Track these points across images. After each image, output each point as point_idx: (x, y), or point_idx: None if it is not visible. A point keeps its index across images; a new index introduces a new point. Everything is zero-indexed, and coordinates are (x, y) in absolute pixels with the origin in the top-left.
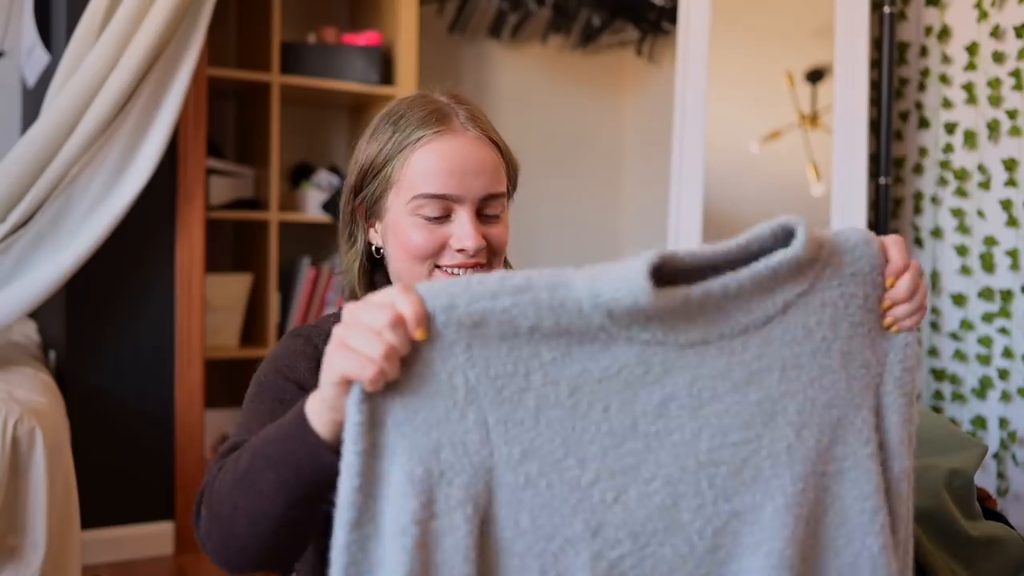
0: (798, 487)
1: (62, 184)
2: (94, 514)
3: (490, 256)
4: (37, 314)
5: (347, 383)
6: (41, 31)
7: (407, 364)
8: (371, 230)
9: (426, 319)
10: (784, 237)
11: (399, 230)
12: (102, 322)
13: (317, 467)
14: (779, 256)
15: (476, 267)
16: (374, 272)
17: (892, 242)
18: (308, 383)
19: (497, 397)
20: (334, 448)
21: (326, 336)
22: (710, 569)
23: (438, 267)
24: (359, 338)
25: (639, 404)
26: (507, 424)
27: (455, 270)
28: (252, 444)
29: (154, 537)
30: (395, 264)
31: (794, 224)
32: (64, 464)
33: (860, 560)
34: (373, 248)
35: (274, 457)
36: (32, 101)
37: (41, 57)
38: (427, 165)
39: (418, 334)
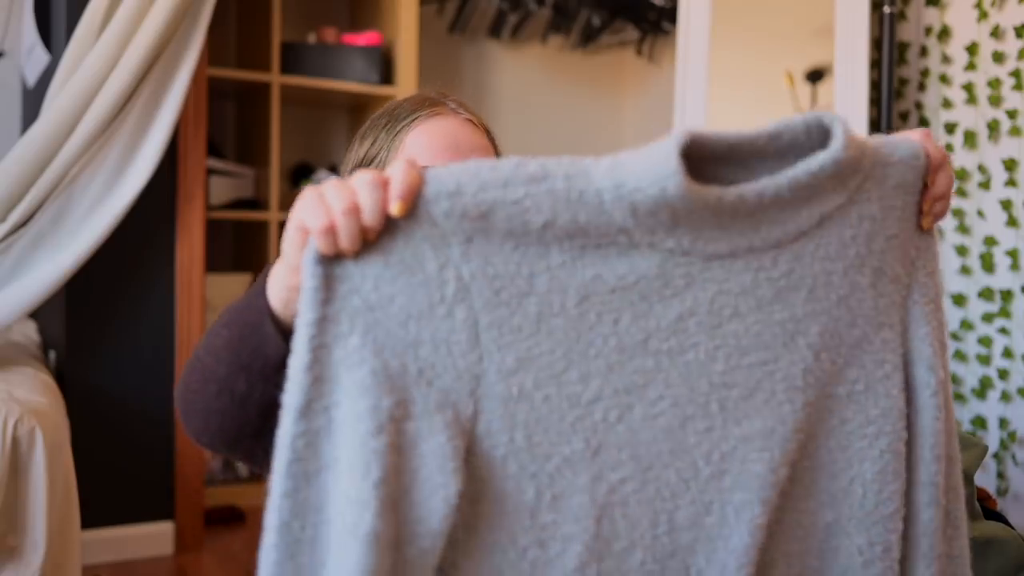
0: (807, 411)
1: (62, 184)
2: (94, 514)
3: None
4: (37, 314)
5: (305, 234)
6: (41, 31)
7: (394, 248)
8: None
9: (413, 195)
10: (819, 136)
11: None
12: (102, 322)
13: (260, 337)
14: (820, 159)
15: None
16: None
17: (930, 144)
18: None
19: (493, 299)
20: (284, 325)
21: None
22: (714, 496)
23: None
24: (332, 190)
25: (653, 319)
26: (501, 329)
27: None
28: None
29: (154, 537)
30: None
31: (830, 122)
32: (64, 464)
33: (853, 486)
34: None
35: (232, 314)
36: (32, 101)
37: (41, 57)
38: (421, 140)
39: (394, 206)
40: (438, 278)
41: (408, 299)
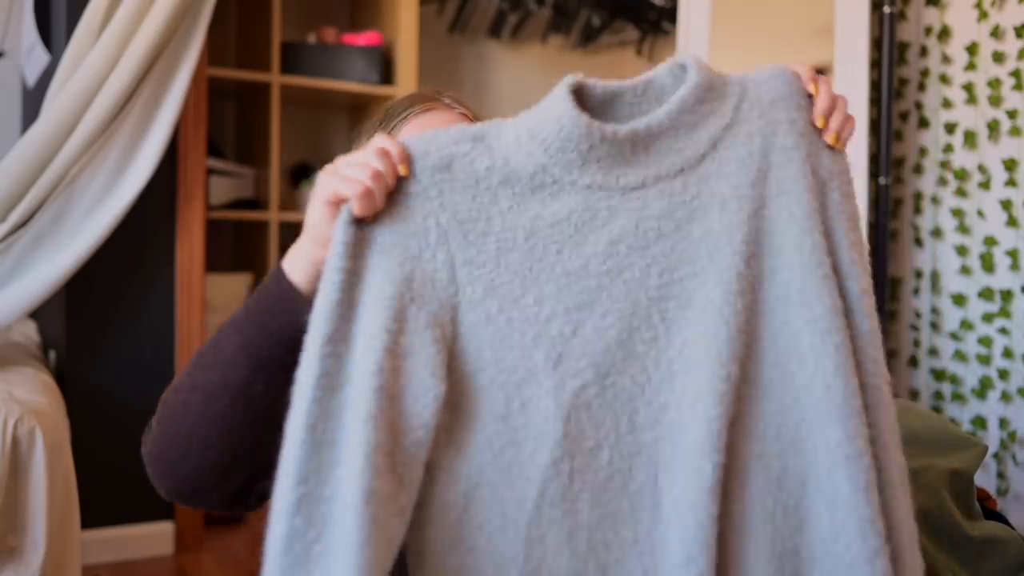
0: (746, 313)
1: (62, 184)
2: (94, 514)
3: None
4: (37, 314)
5: (335, 205)
6: (41, 31)
7: (390, 205)
8: None
9: (408, 159)
10: (684, 76)
11: None
12: (102, 322)
13: (287, 316)
14: (682, 88)
15: None
16: None
17: (803, 69)
18: None
19: (463, 240)
20: (308, 300)
21: None
22: (668, 397)
23: None
24: (349, 167)
25: (589, 246)
26: (471, 265)
27: None
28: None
29: (154, 537)
30: None
31: (685, 59)
32: (64, 464)
33: (815, 382)
34: None
35: (239, 319)
36: (32, 101)
37: (41, 57)
38: (414, 134)
39: (401, 168)
40: (423, 226)
41: (405, 247)
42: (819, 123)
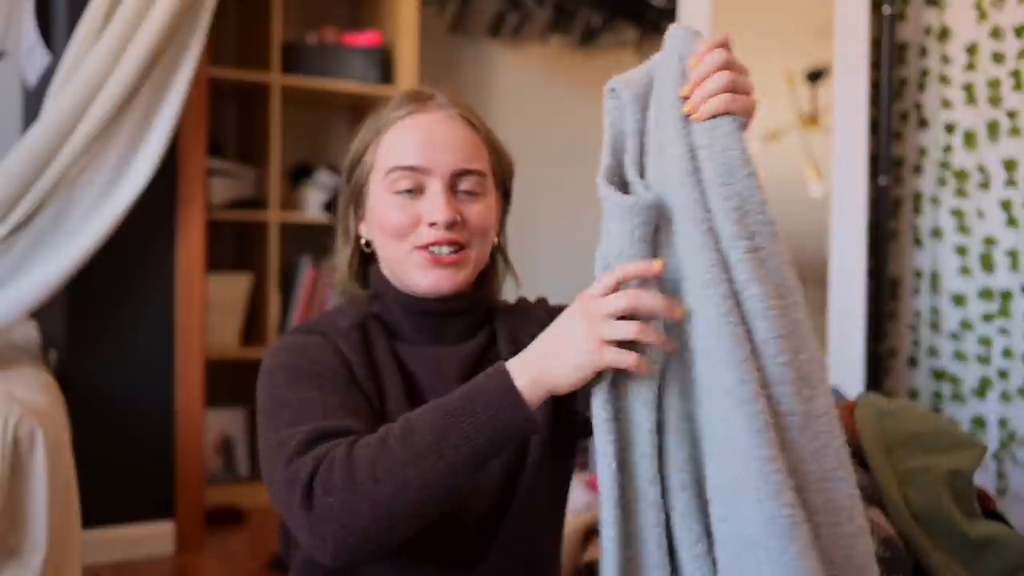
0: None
1: (62, 184)
2: (94, 514)
3: (469, 236)
4: (37, 314)
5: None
6: (41, 31)
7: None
8: (361, 224)
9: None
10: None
11: (378, 211)
12: (102, 322)
13: (518, 435)
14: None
15: (453, 244)
16: (366, 267)
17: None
18: (344, 375)
19: None
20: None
21: (344, 334)
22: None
23: (417, 247)
24: (627, 326)
25: None
26: None
27: (432, 248)
28: (421, 425)
29: (154, 537)
30: (381, 250)
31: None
32: (64, 464)
33: (706, 334)
34: (363, 242)
35: (461, 425)
36: (32, 101)
37: (41, 57)
38: (398, 139)
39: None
40: None
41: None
42: (683, 92)
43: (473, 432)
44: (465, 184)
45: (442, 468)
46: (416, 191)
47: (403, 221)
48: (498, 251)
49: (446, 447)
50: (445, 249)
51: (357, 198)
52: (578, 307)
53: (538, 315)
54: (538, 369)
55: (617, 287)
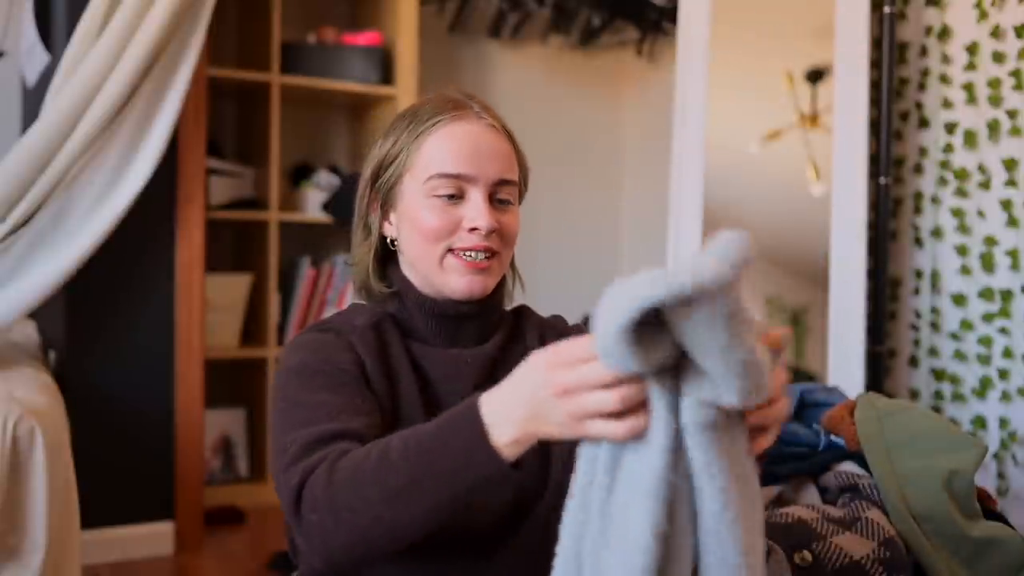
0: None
1: (62, 184)
2: (94, 514)
3: (501, 244)
4: (37, 314)
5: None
6: (41, 31)
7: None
8: (386, 222)
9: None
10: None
11: (414, 214)
12: (102, 322)
13: (499, 485)
14: None
15: (487, 251)
16: (387, 264)
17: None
18: (355, 374)
19: None
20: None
21: (359, 333)
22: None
23: (451, 251)
24: (599, 399)
25: None
26: None
27: (467, 254)
28: (397, 460)
29: (154, 537)
30: (411, 251)
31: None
32: (64, 464)
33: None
34: (388, 240)
35: (444, 476)
36: (32, 101)
37: (41, 57)
38: (442, 145)
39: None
40: None
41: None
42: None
43: (448, 475)
44: (503, 193)
45: (418, 511)
46: (457, 197)
47: (442, 225)
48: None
49: (420, 490)
50: (481, 255)
51: (387, 196)
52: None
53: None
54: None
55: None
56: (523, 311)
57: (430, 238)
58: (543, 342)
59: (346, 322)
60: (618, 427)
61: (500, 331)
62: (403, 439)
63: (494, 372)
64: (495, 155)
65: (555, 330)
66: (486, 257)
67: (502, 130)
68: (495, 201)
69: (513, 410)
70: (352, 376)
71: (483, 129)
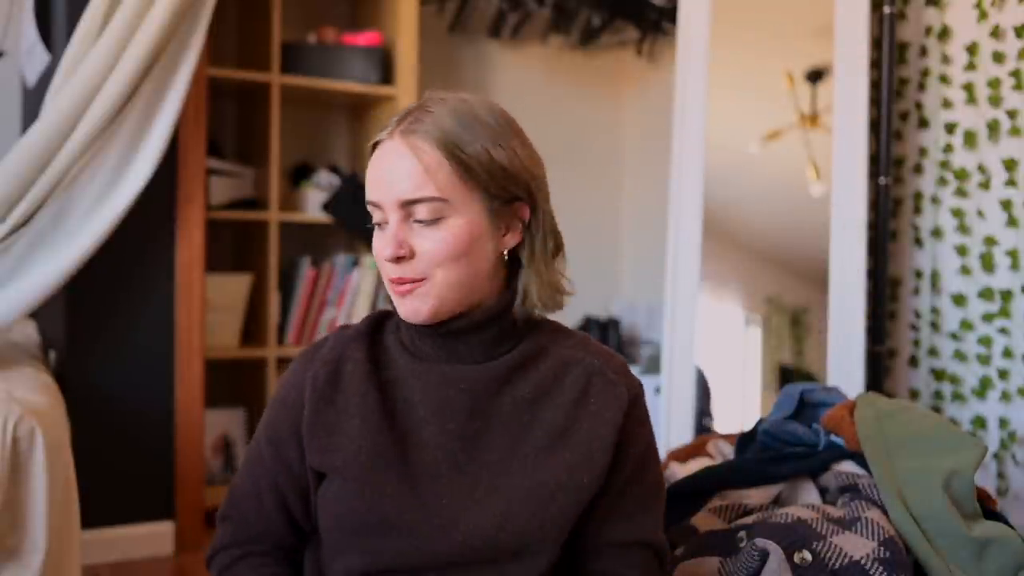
0: None
1: (62, 184)
2: (94, 514)
3: (426, 266)
4: (37, 314)
5: None
6: (41, 31)
7: None
8: None
9: None
10: None
11: None
12: (102, 322)
13: None
14: None
15: (408, 282)
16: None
17: None
18: (290, 446)
19: None
20: None
21: (319, 363)
22: None
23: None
24: None
25: None
26: None
27: (393, 285)
28: None
29: (154, 537)
30: None
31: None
32: (64, 464)
33: None
34: None
35: None
36: (32, 101)
37: (41, 57)
38: (369, 172)
39: None
40: None
41: None
42: None
43: None
44: (420, 213)
45: None
46: (384, 223)
47: (377, 253)
48: (512, 259)
49: None
50: (405, 285)
51: None
52: None
53: (617, 415)
54: None
55: None
56: (552, 328)
57: (378, 263)
58: (586, 392)
59: (338, 335)
60: None
61: (521, 345)
62: None
63: (499, 391)
64: (398, 176)
65: (611, 385)
66: (412, 282)
67: (422, 144)
68: (413, 222)
69: None
70: (287, 449)
71: (392, 150)
